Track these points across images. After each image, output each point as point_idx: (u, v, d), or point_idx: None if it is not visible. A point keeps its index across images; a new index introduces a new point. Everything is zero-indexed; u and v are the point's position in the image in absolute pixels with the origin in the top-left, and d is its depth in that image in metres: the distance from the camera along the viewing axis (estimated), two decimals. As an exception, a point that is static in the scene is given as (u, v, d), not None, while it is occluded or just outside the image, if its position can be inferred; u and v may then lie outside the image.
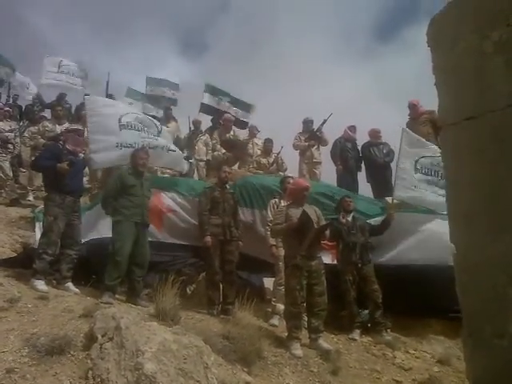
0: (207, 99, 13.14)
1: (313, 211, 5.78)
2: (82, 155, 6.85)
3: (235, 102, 13.55)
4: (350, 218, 6.75)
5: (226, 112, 12.83)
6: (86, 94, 13.64)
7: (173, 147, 7.73)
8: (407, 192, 7.22)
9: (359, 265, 6.46)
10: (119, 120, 7.11)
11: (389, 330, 6.28)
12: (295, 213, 5.62)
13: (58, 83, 14.07)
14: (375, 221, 7.01)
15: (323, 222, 5.78)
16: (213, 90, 13.41)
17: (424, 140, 7.78)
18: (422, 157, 7.38)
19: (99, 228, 6.82)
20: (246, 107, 13.65)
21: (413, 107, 9.81)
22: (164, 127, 8.20)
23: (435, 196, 7.14)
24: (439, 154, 7.22)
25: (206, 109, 13.00)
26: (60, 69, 14.14)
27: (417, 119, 9.54)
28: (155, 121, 8.07)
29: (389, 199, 7.54)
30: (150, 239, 6.44)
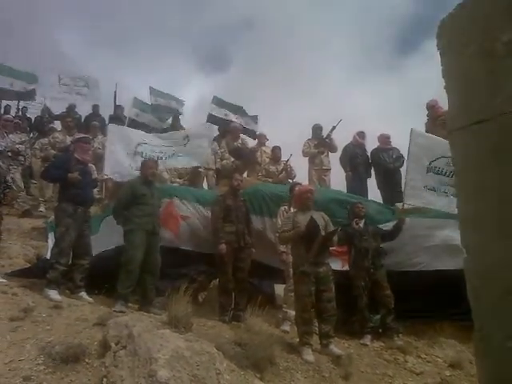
0: (215, 111, 13.52)
1: (320, 217, 5.78)
2: (92, 165, 6.93)
3: (242, 114, 13.95)
4: (362, 224, 6.75)
5: (232, 122, 13.20)
6: (95, 105, 14.02)
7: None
8: (418, 197, 7.15)
9: (371, 270, 6.44)
10: (136, 147, 7.70)
11: (400, 335, 6.26)
12: (302, 219, 5.63)
13: (62, 97, 14.51)
14: (386, 226, 7.00)
15: (331, 228, 5.77)
16: (220, 103, 13.79)
17: (440, 138, 7.46)
18: (438, 158, 7.23)
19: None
20: (253, 118, 14.06)
21: (431, 108, 9.73)
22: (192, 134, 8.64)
23: (445, 196, 7.09)
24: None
25: (213, 119, 13.45)
26: (60, 82, 14.56)
27: (435, 120, 9.42)
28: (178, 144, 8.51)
29: (399, 205, 7.51)
30: (168, 245, 6.67)
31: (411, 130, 7.39)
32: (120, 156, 7.35)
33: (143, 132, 9.34)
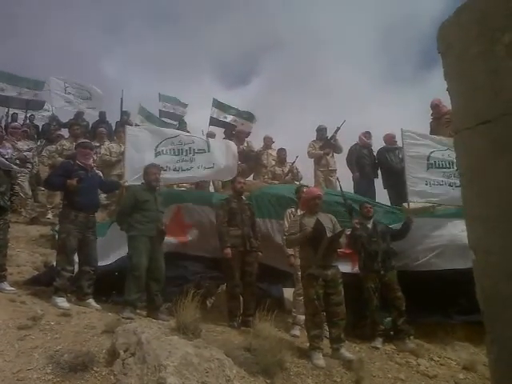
0: (215, 113, 13.67)
1: (328, 219, 5.74)
2: (98, 172, 6.91)
3: (239, 114, 14.14)
4: (370, 225, 6.69)
5: (232, 124, 13.62)
6: (101, 111, 14.13)
7: (210, 164, 7.85)
8: (420, 194, 7.20)
9: (381, 272, 6.38)
10: (155, 149, 7.56)
11: (412, 338, 6.19)
12: (309, 222, 5.59)
13: (68, 106, 14.68)
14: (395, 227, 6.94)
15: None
16: (219, 105, 13.92)
17: (428, 134, 7.79)
18: (433, 151, 7.37)
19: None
20: (250, 117, 14.18)
21: (435, 107, 9.67)
22: (215, 144, 8.33)
23: (452, 188, 7.13)
24: (446, 147, 7.26)
25: (214, 122, 13.83)
26: (66, 90, 14.66)
27: (440, 119, 9.40)
28: (198, 138, 8.36)
29: (406, 205, 7.46)
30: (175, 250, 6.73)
31: (401, 131, 7.51)
32: (140, 161, 7.23)
33: (160, 128, 9.24)
